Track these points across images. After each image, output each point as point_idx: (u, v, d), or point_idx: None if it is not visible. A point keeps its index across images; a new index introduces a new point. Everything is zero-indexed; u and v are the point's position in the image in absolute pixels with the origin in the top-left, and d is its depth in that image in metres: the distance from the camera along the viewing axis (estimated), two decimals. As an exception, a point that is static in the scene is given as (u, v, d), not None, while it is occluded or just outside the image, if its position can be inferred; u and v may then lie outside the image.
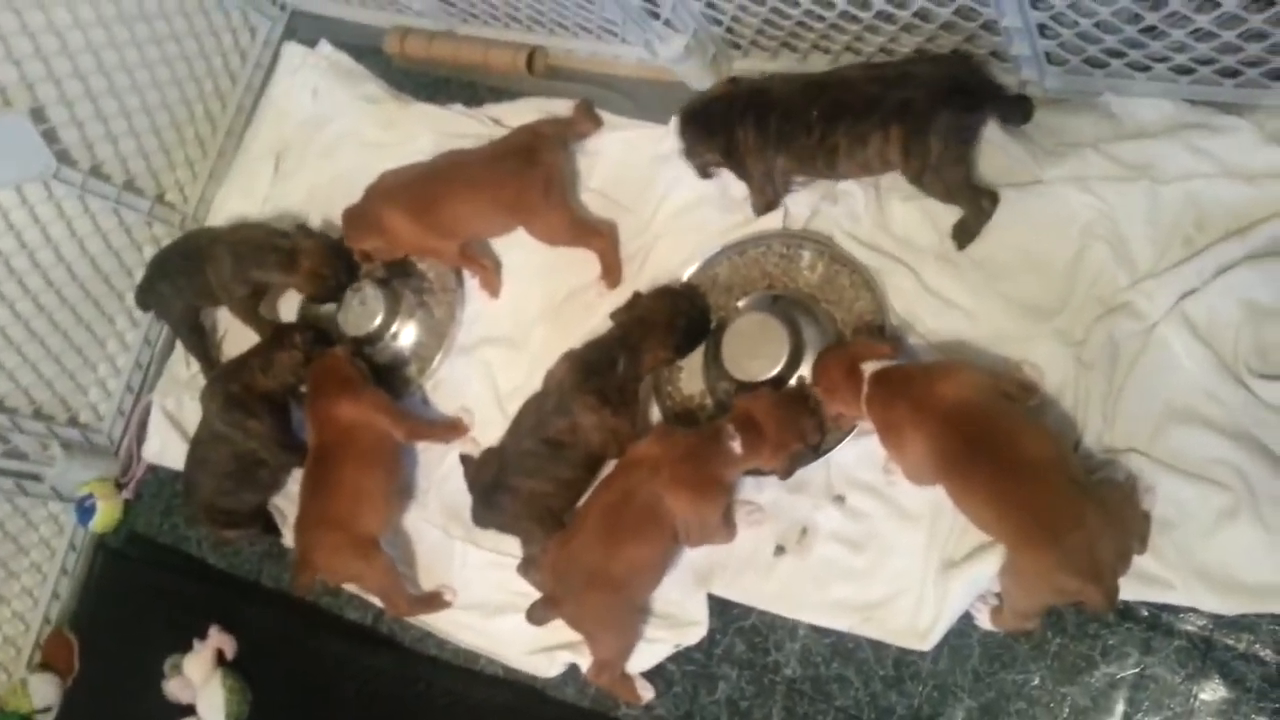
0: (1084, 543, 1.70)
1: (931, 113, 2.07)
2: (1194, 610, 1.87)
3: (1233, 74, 2.00)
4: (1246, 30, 1.82)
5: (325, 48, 3.31)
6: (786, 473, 2.15)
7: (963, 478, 1.86)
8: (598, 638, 2.23)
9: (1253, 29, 1.81)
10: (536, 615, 2.20)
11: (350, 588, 2.66)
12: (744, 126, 2.28)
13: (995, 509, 1.81)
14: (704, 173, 2.46)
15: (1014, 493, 1.78)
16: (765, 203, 2.42)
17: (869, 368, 2.02)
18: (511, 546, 2.45)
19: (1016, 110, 2.10)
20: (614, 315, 2.36)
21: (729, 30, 2.45)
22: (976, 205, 2.21)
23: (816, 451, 2.19)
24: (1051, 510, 1.74)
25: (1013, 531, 1.80)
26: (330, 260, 2.75)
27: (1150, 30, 1.93)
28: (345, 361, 2.60)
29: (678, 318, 2.31)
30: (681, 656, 2.27)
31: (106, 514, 3.08)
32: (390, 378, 2.76)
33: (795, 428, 2.13)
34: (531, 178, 2.49)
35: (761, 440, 2.11)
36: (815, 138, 2.19)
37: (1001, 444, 1.82)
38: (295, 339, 2.68)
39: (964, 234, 2.24)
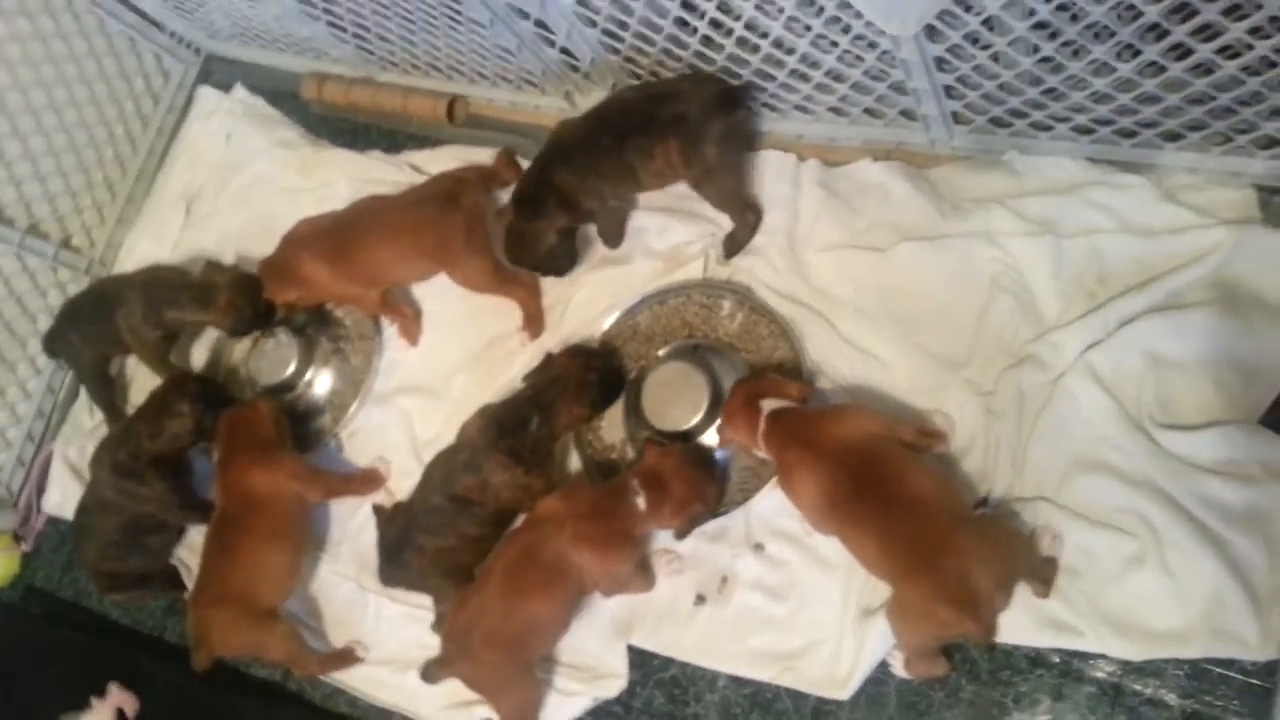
0: (960, 573, 1.73)
1: (704, 122, 2.16)
2: (1103, 657, 1.88)
3: (1130, 134, 2.05)
4: (1141, 94, 1.88)
5: (240, 92, 3.24)
6: (683, 533, 2.13)
7: (851, 516, 1.88)
8: (494, 697, 2.17)
9: (1147, 93, 1.87)
10: (430, 674, 2.14)
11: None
12: (560, 175, 2.31)
13: (879, 544, 1.84)
14: (564, 243, 2.45)
15: (897, 527, 1.80)
16: (617, 232, 2.48)
17: (768, 405, 2.03)
18: (427, 600, 2.37)
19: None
20: (526, 378, 2.33)
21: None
22: (742, 217, 2.34)
23: (714, 514, 2.17)
24: (931, 543, 1.76)
25: (894, 565, 1.82)
26: (247, 292, 2.65)
27: (1051, 92, 1.99)
28: (265, 419, 2.48)
29: (590, 374, 2.28)
30: (600, 710, 2.21)
31: (3, 567, 2.94)
32: (304, 427, 2.67)
33: (699, 489, 2.12)
34: (453, 223, 2.44)
35: (665, 498, 2.09)
36: (613, 158, 2.25)
37: (887, 482, 1.85)
38: (183, 407, 2.54)
39: (732, 244, 2.38)
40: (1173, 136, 2.02)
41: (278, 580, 2.39)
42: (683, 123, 2.17)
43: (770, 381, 2.12)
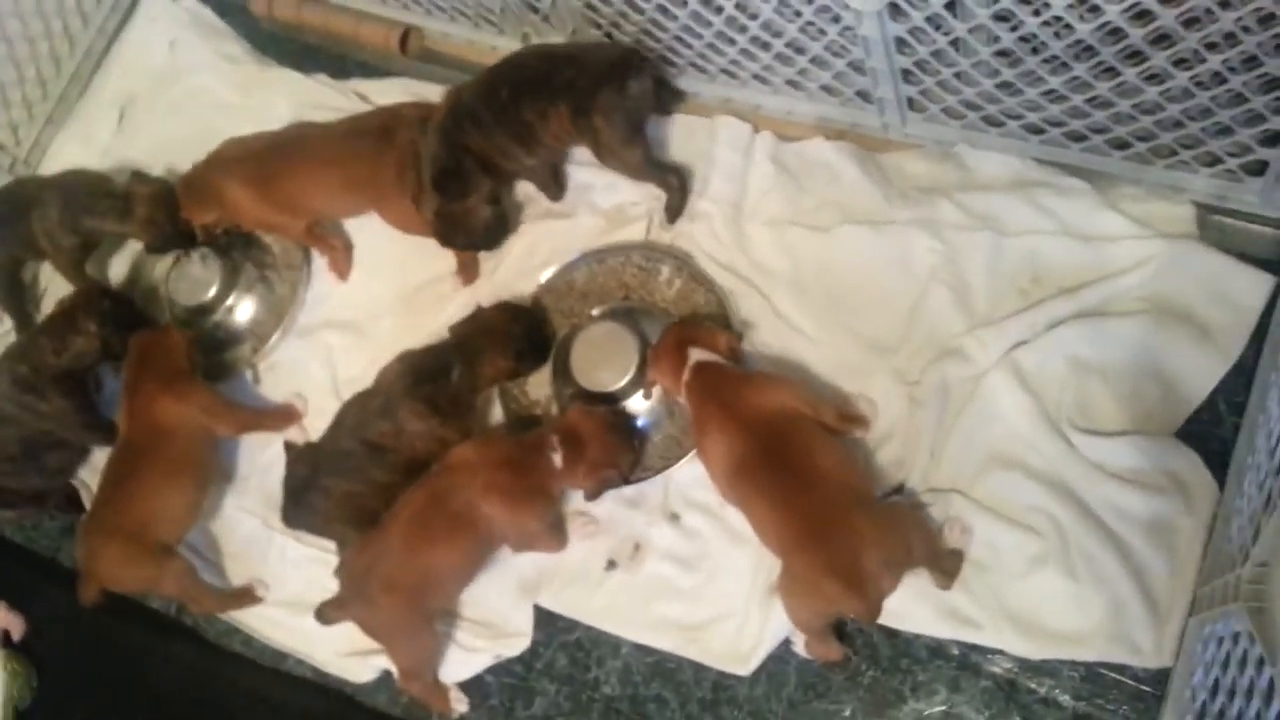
0: (850, 551, 1.73)
1: (593, 92, 2.13)
2: (1001, 652, 1.89)
3: (1079, 138, 2.05)
4: (1094, 97, 1.87)
5: (188, 0, 3.09)
6: (593, 495, 2.11)
7: (752, 483, 1.88)
8: (391, 645, 2.13)
9: (1100, 97, 1.87)
10: (325, 615, 2.09)
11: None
12: (470, 138, 2.26)
13: (775, 515, 1.84)
14: (496, 216, 2.38)
15: (795, 500, 1.81)
16: (552, 184, 2.42)
17: (696, 354, 2.01)
18: (334, 544, 2.31)
19: (668, 99, 2.28)
20: (453, 328, 2.26)
21: (608, 35, 2.39)
22: (664, 181, 2.31)
23: (629, 481, 2.15)
24: (825, 519, 1.77)
25: (787, 537, 1.82)
26: (168, 207, 2.54)
27: (1007, 86, 1.97)
28: (175, 347, 2.38)
29: (517, 327, 2.23)
30: (501, 668, 2.19)
31: (-110, 475, 2.80)
32: (221, 355, 2.58)
33: (615, 453, 2.09)
34: (386, 159, 2.36)
35: (581, 458, 2.06)
36: (512, 114, 2.22)
37: (793, 456, 1.85)
38: (90, 326, 2.42)
39: (671, 210, 2.34)
40: (1121, 145, 2.02)
41: (176, 517, 2.31)
42: (572, 89, 2.15)
43: (703, 330, 2.10)
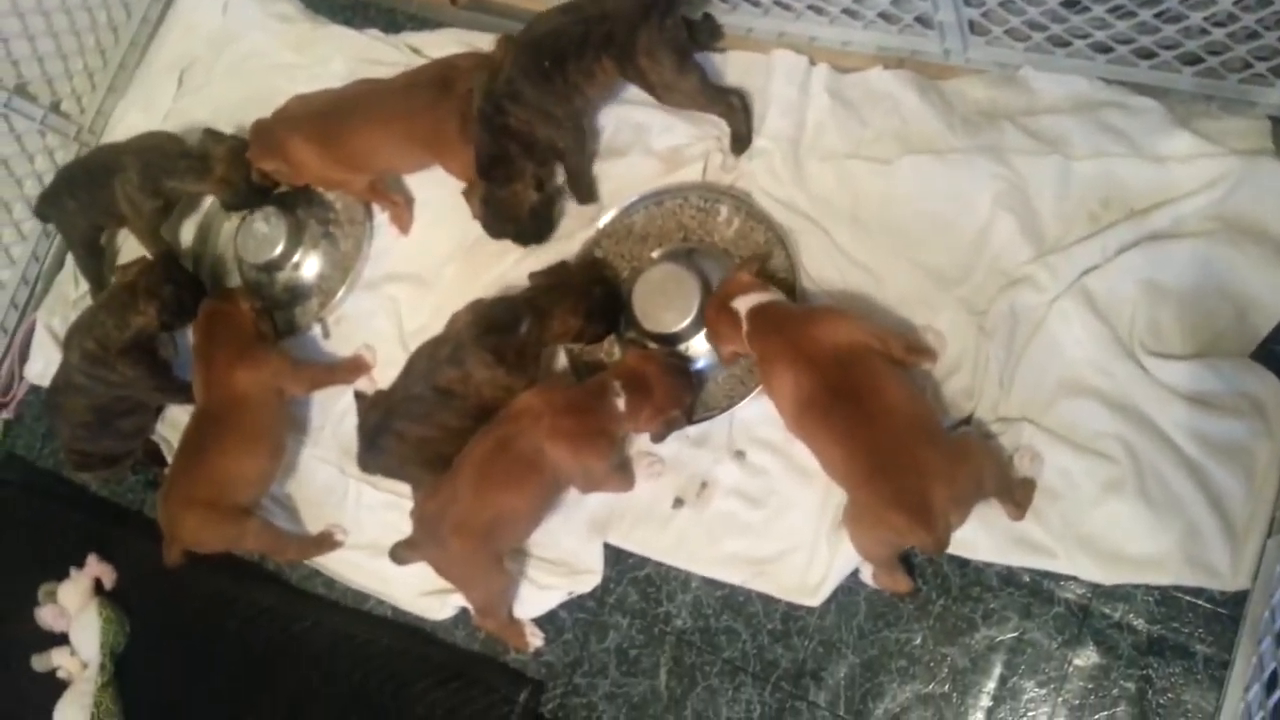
0: (917, 484, 1.74)
1: (632, 36, 2.17)
2: (1074, 579, 1.89)
3: (1148, 55, 2.00)
4: (1164, 11, 1.82)
5: (239, -39, 3.12)
6: (659, 437, 2.14)
7: (820, 418, 1.88)
8: (463, 584, 2.19)
9: (1171, 10, 1.82)
10: (398, 555, 2.15)
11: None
12: (512, 119, 2.27)
13: (843, 448, 1.85)
14: (543, 203, 2.40)
15: (861, 434, 1.81)
16: (583, 161, 2.42)
17: (743, 303, 2.01)
18: (408, 488, 2.36)
19: (705, 29, 2.25)
20: (533, 276, 2.28)
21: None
22: (727, 105, 2.30)
23: (690, 421, 2.17)
24: (892, 452, 1.78)
25: (854, 470, 1.83)
26: (243, 164, 2.59)
27: (1073, 4, 1.92)
28: (246, 316, 2.43)
29: (594, 288, 2.24)
30: (574, 604, 2.24)
31: (-15, 435, 2.93)
32: (289, 310, 2.64)
33: (678, 395, 2.11)
34: (447, 111, 2.37)
35: (645, 402, 2.08)
36: (559, 82, 2.23)
37: (860, 390, 1.85)
38: (150, 309, 2.46)
39: (736, 140, 2.33)
40: (1192, 60, 1.96)
41: (252, 481, 2.38)
42: (611, 41, 2.19)
43: (728, 283, 2.09)
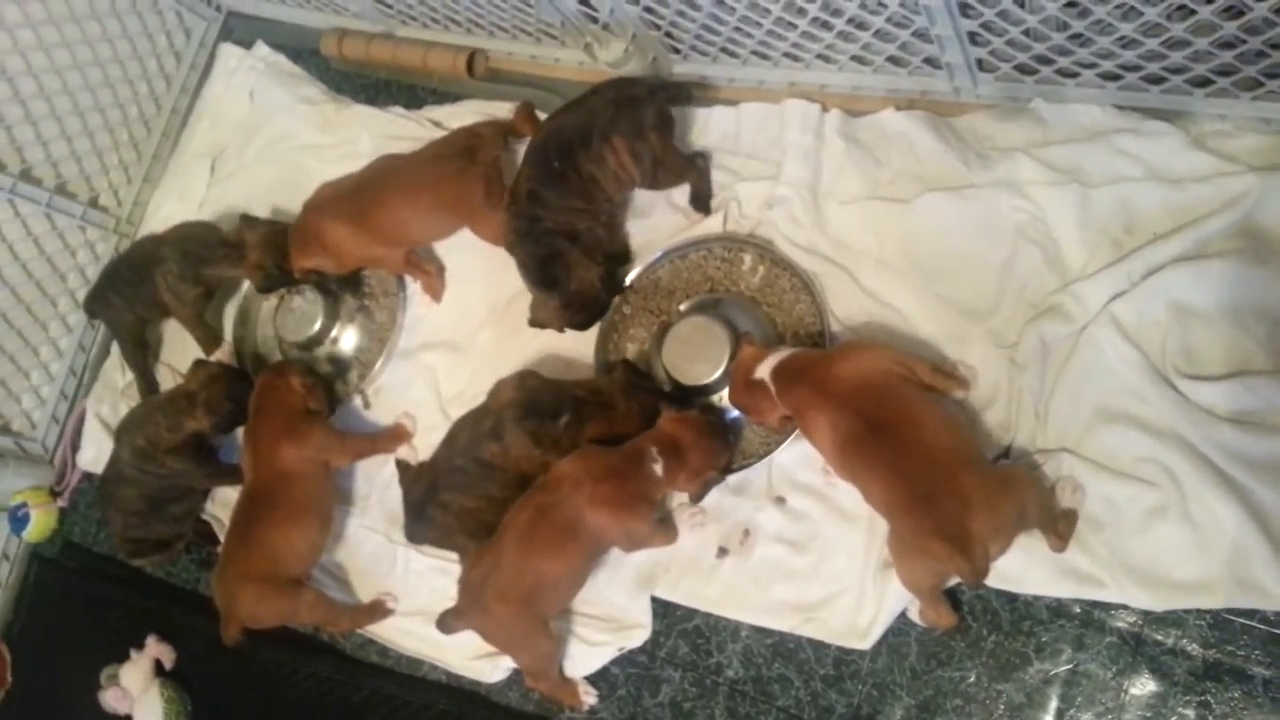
0: (957, 512, 1.75)
1: (637, 114, 2.27)
2: (1124, 607, 1.89)
3: (1158, 80, 2.02)
4: (1169, 38, 1.85)
5: (262, 49, 3.25)
6: (698, 497, 2.18)
7: (860, 453, 1.89)
8: (511, 649, 2.22)
9: (1175, 37, 1.84)
10: (445, 624, 2.19)
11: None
12: (544, 221, 2.32)
13: (884, 481, 1.85)
14: (595, 271, 2.39)
15: (901, 464, 1.83)
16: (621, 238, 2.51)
17: (763, 370, 2.04)
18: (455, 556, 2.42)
19: (682, 93, 2.39)
20: (607, 368, 2.36)
21: (668, 34, 2.44)
22: (696, 170, 2.41)
23: (726, 475, 2.20)
24: (932, 481, 1.78)
25: (895, 500, 1.84)
26: (275, 249, 2.67)
27: (1078, 38, 1.96)
28: (295, 393, 2.49)
29: (634, 406, 2.24)
30: (625, 659, 2.26)
31: (41, 523, 3.01)
32: (330, 384, 2.70)
33: (715, 456, 2.14)
34: (472, 176, 2.45)
35: (682, 465, 2.12)
36: (574, 177, 2.29)
37: (895, 419, 1.87)
38: (205, 419, 2.55)
39: (700, 201, 2.43)
40: (1202, 82, 1.98)
41: (303, 554, 2.44)
42: (617, 123, 2.27)
43: (742, 356, 2.12)
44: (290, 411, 2.47)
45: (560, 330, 2.41)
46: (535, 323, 2.40)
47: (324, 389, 2.59)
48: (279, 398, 2.49)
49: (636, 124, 2.26)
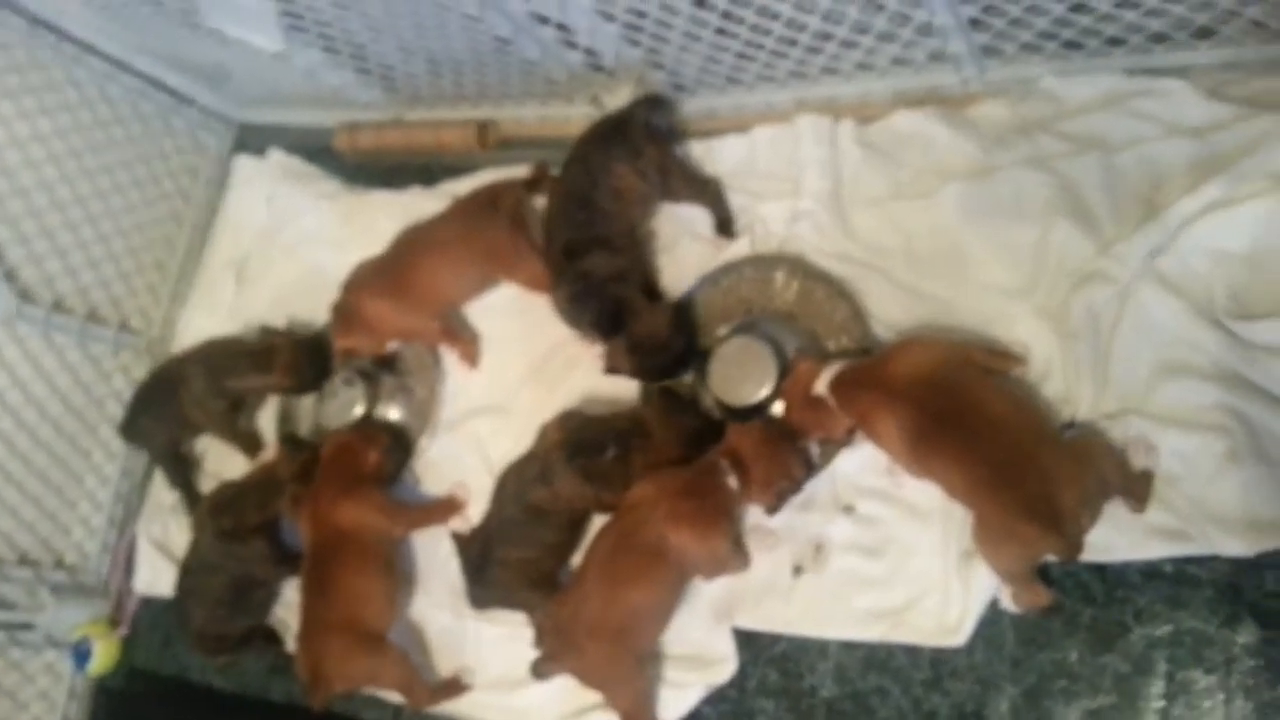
0: (1043, 490, 1.82)
1: (626, 135, 2.48)
2: (1215, 557, 1.94)
3: (1163, 38, 2.16)
4: (1164, -11, 2.00)
5: (276, 155, 3.46)
6: (774, 509, 2.25)
7: (932, 448, 1.98)
8: (607, 689, 2.27)
9: (1169, -12, 1.99)
10: (538, 670, 2.27)
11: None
12: (593, 268, 2.45)
13: (962, 469, 1.93)
14: (653, 306, 2.50)
15: (977, 451, 1.90)
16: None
17: (820, 385, 2.15)
18: (524, 617, 2.50)
19: (662, 100, 2.62)
20: (645, 396, 2.48)
21: (672, 73, 2.62)
22: (710, 191, 2.56)
23: (800, 486, 2.27)
24: (1012, 462, 1.86)
25: (977, 487, 1.91)
26: (303, 353, 2.87)
27: (1078, 7, 2.10)
28: (362, 453, 2.64)
29: (672, 434, 2.35)
30: (715, 697, 2.31)
31: (104, 655, 3.11)
32: (405, 447, 2.83)
33: (782, 464, 2.22)
34: (498, 225, 2.62)
35: (754, 477, 2.21)
36: (599, 220, 2.47)
37: (964, 408, 1.95)
38: (291, 494, 2.69)
39: (724, 226, 2.58)
40: (1206, 34, 2.12)
41: (380, 605, 2.53)
42: (611, 152, 2.47)
43: (797, 373, 2.24)
44: (353, 470, 2.61)
45: (633, 376, 2.50)
46: (610, 370, 2.50)
47: (401, 453, 2.74)
48: (346, 459, 2.64)
49: (629, 145, 2.46)
